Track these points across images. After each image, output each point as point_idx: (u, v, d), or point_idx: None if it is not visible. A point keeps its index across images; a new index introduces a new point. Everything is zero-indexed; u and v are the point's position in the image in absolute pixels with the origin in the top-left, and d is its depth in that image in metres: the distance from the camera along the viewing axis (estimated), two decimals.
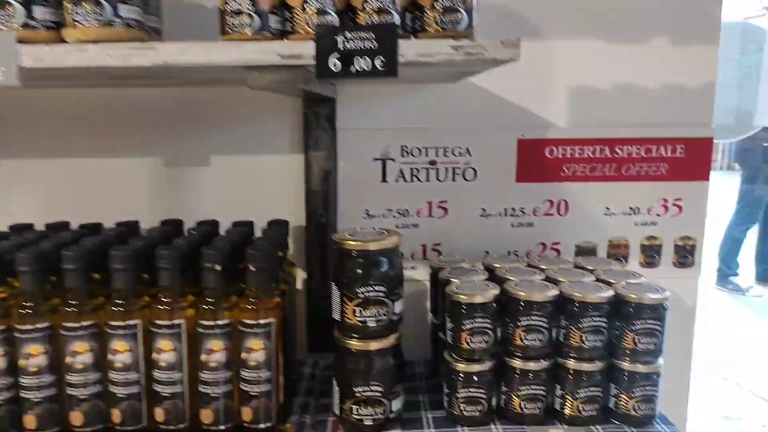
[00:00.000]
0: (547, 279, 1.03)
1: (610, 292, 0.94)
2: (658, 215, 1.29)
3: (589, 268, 1.11)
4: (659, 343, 0.94)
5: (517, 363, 0.96)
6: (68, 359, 0.91)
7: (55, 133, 1.27)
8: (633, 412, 0.95)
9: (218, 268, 0.91)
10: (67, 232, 1.07)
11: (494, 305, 0.95)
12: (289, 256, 1.14)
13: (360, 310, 0.93)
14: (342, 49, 0.68)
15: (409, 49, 0.70)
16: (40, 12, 0.73)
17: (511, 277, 1.02)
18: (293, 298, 1.14)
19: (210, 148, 1.28)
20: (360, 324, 0.93)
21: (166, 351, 0.92)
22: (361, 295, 0.92)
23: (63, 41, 0.74)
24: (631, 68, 1.25)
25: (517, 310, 0.94)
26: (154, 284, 0.93)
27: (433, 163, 1.28)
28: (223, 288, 0.92)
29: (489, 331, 0.94)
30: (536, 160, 1.27)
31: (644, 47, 1.24)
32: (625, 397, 0.95)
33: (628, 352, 0.95)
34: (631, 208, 1.29)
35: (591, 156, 1.27)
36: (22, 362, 0.90)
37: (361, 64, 0.68)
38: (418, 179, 1.28)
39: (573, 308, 0.94)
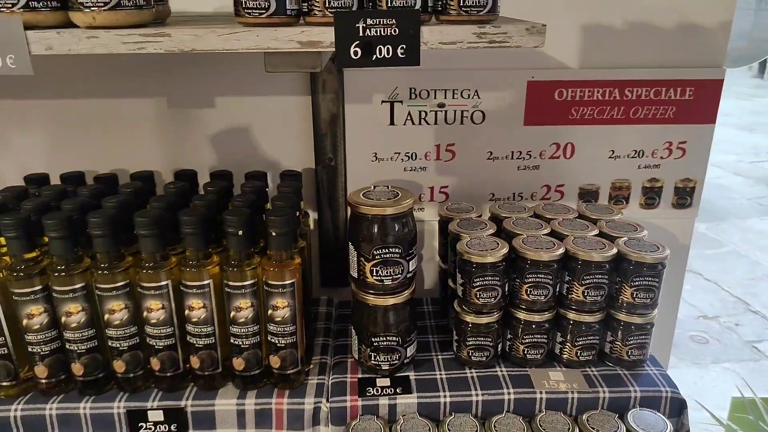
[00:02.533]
0: (553, 232, 1.09)
1: (612, 251, 1.00)
2: (661, 158, 1.32)
3: (592, 217, 1.16)
4: (655, 297, 1.02)
5: (522, 315, 1.03)
6: (106, 316, 0.97)
7: (60, 73, 1.23)
8: (626, 357, 1.05)
9: (240, 233, 0.94)
10: (84, 188, 1.07)
11: (503, 264, 1.00)
12: (303, 206, 1.17)
13: (377, 270, 0.98)
14: (363, 35, 0.66)
15: (431, 35, 0.68)
16: None
17: (518, 231, 1.07)
18: (309, 246, 1.19)
19: (215, 90, 1.25)
20: (377, 282, 0.99)
21: (196, 308, 0.98)
22: (377, 257, 0.97)
23: (70, 23, 0.70)
24: (644, 6, 1.20)
25: (525, 268, 1.00)
26: (178, 242, 0.97)
27: (441, 105, 1.27)
28: (246, 250, 0.96)
29: (497, 287, 1.01)
30: (545, 103, 1.27)
31: None
32: (619, 344, 1.05)
33: (625, 305, 1.03)
34: (635, 151, 1.32)
35: (600, 98, 1.27)
36: (63, 319, 0.96)
37: (383, 52, 0.67)
38: (426, 122, 1.28)
39: (576, 266, 1.01)
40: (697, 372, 3.01)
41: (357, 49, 0.66)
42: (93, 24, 0.67)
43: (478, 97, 1.26)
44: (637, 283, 1.00)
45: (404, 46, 0.65)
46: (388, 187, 1.04)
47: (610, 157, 1.32)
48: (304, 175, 1.32)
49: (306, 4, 0.69)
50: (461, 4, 0.68)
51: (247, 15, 0.69)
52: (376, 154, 1.30)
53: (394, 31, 0.65)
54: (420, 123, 1.28)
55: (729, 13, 1.22)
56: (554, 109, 1.27)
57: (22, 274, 0.94)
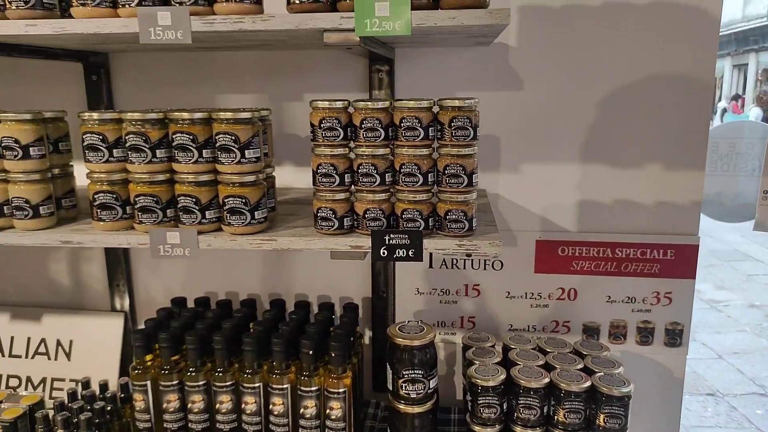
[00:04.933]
0: (546, 364, 1.41)
1: (587, 383, 1.31)
2: (651, 304, 1.61)
3: (584, 353, 1.47)
4: (623, 423, 1.30)
5: (518, 429, 1.34)
6: (217, 405, 1.39)
7: None
8: None
9: (310, 352, 1.35)
10: (210, 312, 1.55)
11: (501, 387, 1.33)
12: (358, 330, 1.58)
13: (405, 386, 1.35)
14: (388, 243, 1.09)
15: (429, 244, 1.10)
16: None
17: (519, 362, 1.40)
18: (362, 359, 1.58)
19: None
20: (406, 395, 1.35)
21: (277, 404, 1.38)
22: (406, 376, 1.34)
23: (214, 13, 1.06)
24: (629, 188, 1.56)
25: (518, 393, 1.33)
26: (270, 354, 1.39)
27: (468, 254, 1.65)
28: (314, 363, 1.37)
29: (497, 405, 1.34)
30: (551, 257, 1.62)
31: (641, 171, 1.55)
32: None
33: (600, 428, 1.31)
34: (628, 297, 1.62)
35: (596, 255, 1.60)
36: (189, 405, 1.40)
37: (400, 253, 1.09)
38: (457, 267, 1.67)
39: (559, 393, 1.32)
40: None
41: (385, 250, 1.08)
42: (235, 233, 1.15)
43: None
44: (606, 410, 1.29)
45: (413, 249, 1.07)
46: (418, 322, 1.42)
47: (607, 301, 1.63)
48: (363, 302, 1.74)
49: (355, 221, 1.14)
50: (448, 226, 1.10)
51: (319, 229, 1.15)
52: (418, 288, 1.70)
53: (407, 241, 1.07)
54: (452, 267, 1.67)
55: (698, 194, 1.54)
56: (559, 262, 1.62)
57: (167, 371, 1.40)
